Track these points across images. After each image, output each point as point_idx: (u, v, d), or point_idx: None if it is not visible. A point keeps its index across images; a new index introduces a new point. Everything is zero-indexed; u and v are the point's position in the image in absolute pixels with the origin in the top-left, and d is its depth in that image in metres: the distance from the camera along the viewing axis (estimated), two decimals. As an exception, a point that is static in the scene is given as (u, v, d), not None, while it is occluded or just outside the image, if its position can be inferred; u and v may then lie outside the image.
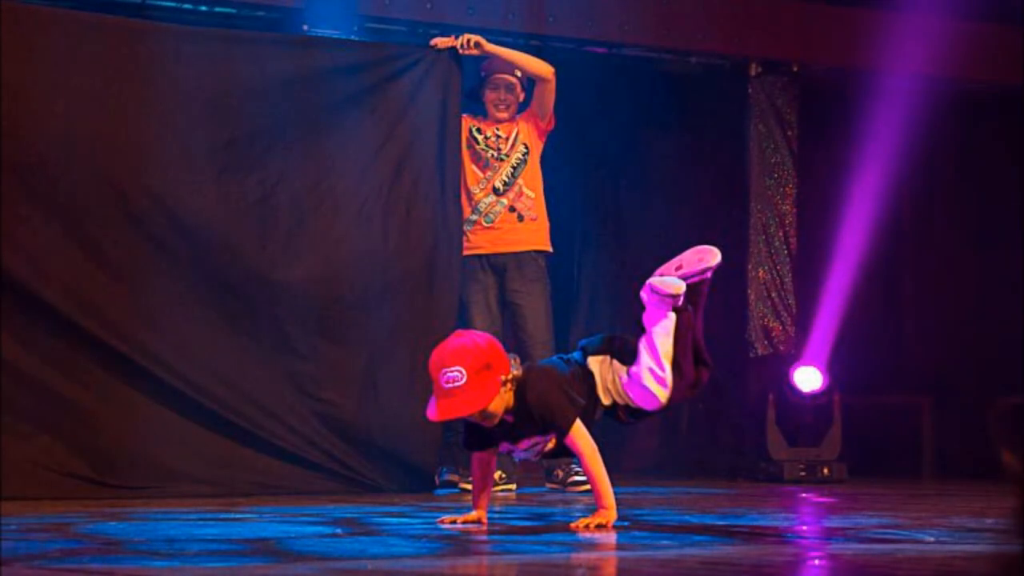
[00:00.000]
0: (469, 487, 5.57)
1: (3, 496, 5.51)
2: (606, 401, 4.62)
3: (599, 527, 4.40)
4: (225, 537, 4.09)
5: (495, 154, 6.87)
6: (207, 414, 6.12)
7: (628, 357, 4.60)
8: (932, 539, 4.18)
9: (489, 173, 6.87)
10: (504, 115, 6.91)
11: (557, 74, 6.86)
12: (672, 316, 4.60)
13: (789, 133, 8.28)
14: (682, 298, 4.60)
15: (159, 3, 7.01)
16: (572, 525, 4.47)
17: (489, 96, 6.92)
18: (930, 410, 8.87)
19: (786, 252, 8.23)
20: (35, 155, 5.92)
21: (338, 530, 4.37)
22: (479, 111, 6.96)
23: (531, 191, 6.89)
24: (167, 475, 6.03)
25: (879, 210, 8.36)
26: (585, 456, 4.49)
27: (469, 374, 4.31)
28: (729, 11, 8.12)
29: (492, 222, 6.84)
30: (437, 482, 6.57)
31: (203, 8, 7.08)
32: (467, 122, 6.87)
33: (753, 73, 8.22)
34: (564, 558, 3.70)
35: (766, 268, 8.20)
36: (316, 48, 6.63)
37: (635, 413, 4.67)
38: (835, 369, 8.00)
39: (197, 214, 6.18)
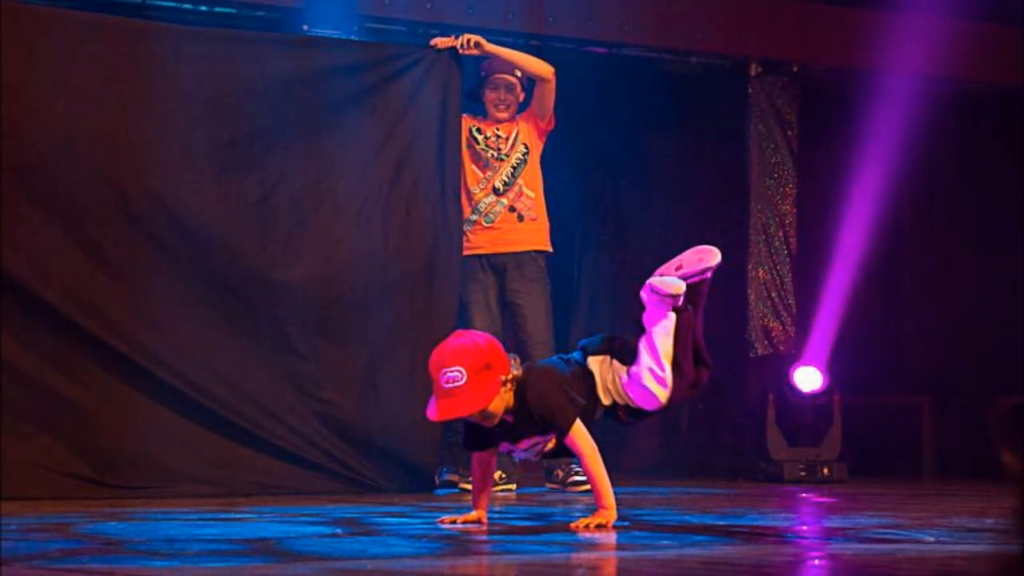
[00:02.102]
0: (469, 487, 5.57)
1: (3, 496, 5.51)
2: (606, 401, 4.62)
3: (599, 527, 4.40)
4: (225, 537, 4.09)
5: (495, 154, 6.87)
6: (207, 414, 6.12)
7: (628, 357, 4.60)
8: (932, 539, 4.18)
9: (489, 173, 6.87)
10: (504, 115, 6.91)
11: (557, 74, 6.86)
12: (672, 316, 4.60)
13: (789, 133, 8.28)
14: (682, 298, 4.60)
15: (159, 3, 7.01)
16: (572, 525, 4.47)
17: (489, 96, 6.92)
18: (930, 410, 8.87)
19: (786, 252, 8.23)
20: (35, 155, 5.92)
21: (338, 530, 4.37)
22: (479, 111, 6.96)
23: (531, 191, 6.89)
24: (167, 475, 6.03)
25: (879, 210, 8.36)
26: (585, 456, 4.49)
27: (469, 374, 4.31)
28: (729, 11, 8.12)
29: (492, 222, 6.84)
30: (437, 482, 6.57)
31: (203, 8, 7.08)
32: (467, 122, 6.87)
33: (753, 73, 8.22)
34: (564, 558, 3.70)
35: (766, 268, 8.20)
36: (316, 48, 6.63)
37: (635, 413, 4.67)
38: (835, 369, 8.00)
39: (197, 214, 6.18)
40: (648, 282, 4.64)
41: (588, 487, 5.56)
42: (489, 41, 6.78)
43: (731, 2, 8.15)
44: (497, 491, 6.44)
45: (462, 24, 7.10)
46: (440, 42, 6.73)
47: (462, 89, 6.78)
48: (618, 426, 4.88)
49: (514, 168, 6.87)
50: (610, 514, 4.46)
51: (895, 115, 8.20)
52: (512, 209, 6.85)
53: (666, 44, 8.01)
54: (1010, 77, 8.42)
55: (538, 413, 4.44)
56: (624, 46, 7.96)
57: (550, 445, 4.56)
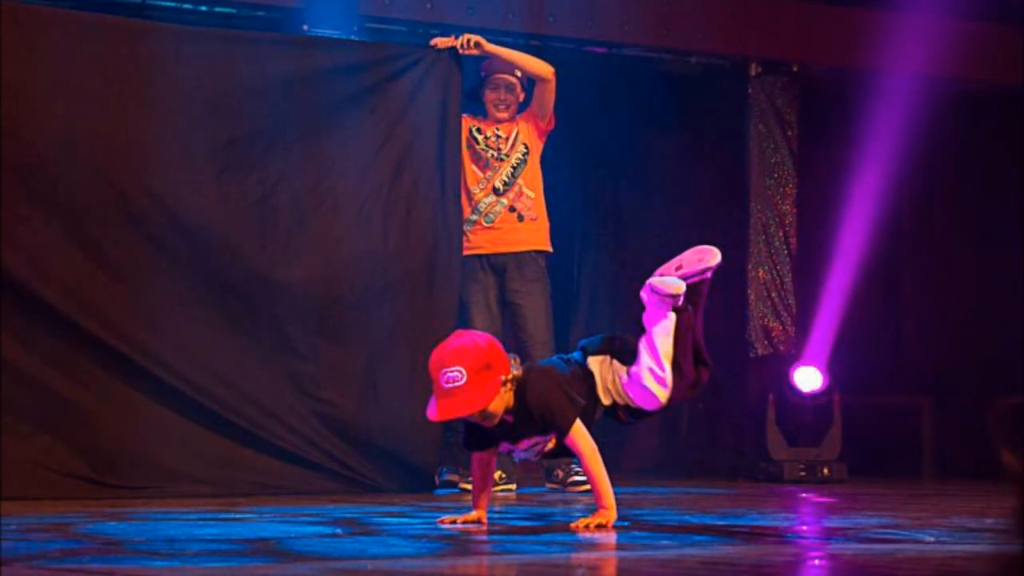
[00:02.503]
0: (469, 487, 5.57)
1: (3, 496, 5.51)
2: (606, 401, 4.62)
3: (599, 527, 4.40)
4: (225, 537, 4.09)
5: (495, 154, 6.87)
6: (207, 414, 6.12)
7: (628, 357, 4.60)
8: (932, 539, 4.18)
9: (489, 173, 6.87)
10: (504, 115, 6.91)
11: (557, 74, 6.86)
12: (672, 316, 4.60)
13: (789, 133, 8.28)
14: (682, 298, 4.60)
15: (159, 3, 7.01)
16: (572, 525, 4.47)
17: (489, 96, 6.92)
18: (930, 410, 8.87)
19: (786, 252, 8.23)
20: (35, 155, 5.92)
21: (338, 530, 4.37)
22: (479, 111, 6.96)
23: (531, 191, 6.89)
24: (167, 475, 6.03)
25: (879, 210, 8.36)
26: (585, 456, 4.49)
27: (469, 374, 4.31)
28: (729, 11, 8.12)
29: (492, 222, 6.84)
30: (437, 482, 6.57)
31: (203, 8, 7.08)
32: (467, 122, 6.87)
33: (753, 73, 8.22)
34: (564, 558, 3.70)
35: (766, 268, 8.20)
36: (316, 48, 6.63)
37: (635, 413, 4.67)
38: (835, 369, 8.00)
39: (197, 214, 6.18)
40: (648, 282, 4.64)
41: (588, 487, 5.56)
42: (489, 41, 6.78)
43: (731, 2, 8.15)
44: (497, 491, 6.44)
45: (462, 24, 7.10)
46: (440, 42, 6.73)
47: (462, 89, 6.78)
48: (618, 426, 4.88)
49: (514, 168, 6.87)
50: (610, 514, 4.46)
51: (895, 115, 8.20)
52: (512, 209, 6.85)
53: (666, 44, 8.01)
54: (1010, 77, 8.42)
55: (538, 413, 4.44)
56: (624, 46, 7.96)
57: (550, 445, 4.56)
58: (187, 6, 7.05)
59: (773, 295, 8.18)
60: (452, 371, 4.31)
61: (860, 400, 8.35)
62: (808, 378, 7.92)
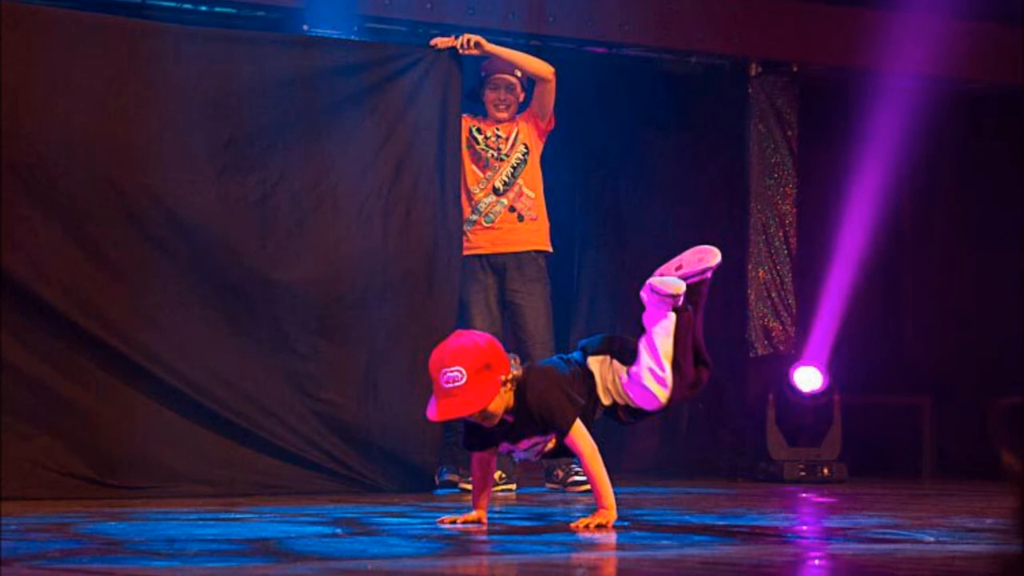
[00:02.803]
0: (469, 487, 5.57)
1: (3, 496, 5.51)
2: (606, 401, 4.63)
3: (599, 527, 4.40)
4: (225, 537, 4.09)
5: (495, 154, 6.87)
6: (207, 414, 6.12)
7: (628, 357, 4.60)
8: (932, 539, 4.18)
9: (489, 173, 6.87)
10: (504, 115, 6.91)
11: (557, 74, 6.86)
12: (672, 316, 4.60)
13: (789, 133, 8.28)
14: (682, 298, 4.60)
15: (159, 3, 7.01)
16: (572, 525, 4.47)
17: (489, 96, 6.92)
18: (930, 410, 8.87)
19: (786, 252, 8.23)
20: (35, 155, 5.92)
21: (338, 530, 4.37)
22: (479, 111, 6.96)
23: (531, 191, 6.89)
24: (167, 475, 6.03)
25: (879, 210, 8.36)
26: (585, 456, 4.50)
27: (469, 374, 4.31)
28: (729, 11, 8.13)
29: (492, 222, 6.84)
30: (437, 482, 6.57)
31: (203, 8, 7.08)
32: (467, 122, 6.87)
33: (753, 73, 8.22)
34: (564, 558, 3.70)
35: (766, 268, 8.20)
36: (316, 48, 6.63)
37: (635, 413, 4.67)
38: (835, 369, 8.00)
39: (197, 214, 6.18)
40: (648, 282, 4.65)
41: (588, 487, 5.56)
42: (489, 41, 6.78)
43: (731, 2, 8.15)
44: (497, 491, 6.44)
45: (462, 24, 7.10)
46: (440, 42, 6.73)
47: (462, 89, 6.78)
48: (618, 426, 4.88)
49: (514, 168, 6.87)
50: (610, 514, 4.46)
51: (895, 115, 8.20)
52: (512, 209, 6.85)
53: (666, 44, 8.01)
54: (1010, 77, 8.43)
55: (538, 413, 4.44)
56: (624, 46, 7.96)
57: (550, 445, 4.56)
58: (187, 6, 7.06)
59: (773, 295, 8.18)
60: (452, 371, 4.31)
61: (860, 400, 8.35)
62: (808, 378, 7.92)
